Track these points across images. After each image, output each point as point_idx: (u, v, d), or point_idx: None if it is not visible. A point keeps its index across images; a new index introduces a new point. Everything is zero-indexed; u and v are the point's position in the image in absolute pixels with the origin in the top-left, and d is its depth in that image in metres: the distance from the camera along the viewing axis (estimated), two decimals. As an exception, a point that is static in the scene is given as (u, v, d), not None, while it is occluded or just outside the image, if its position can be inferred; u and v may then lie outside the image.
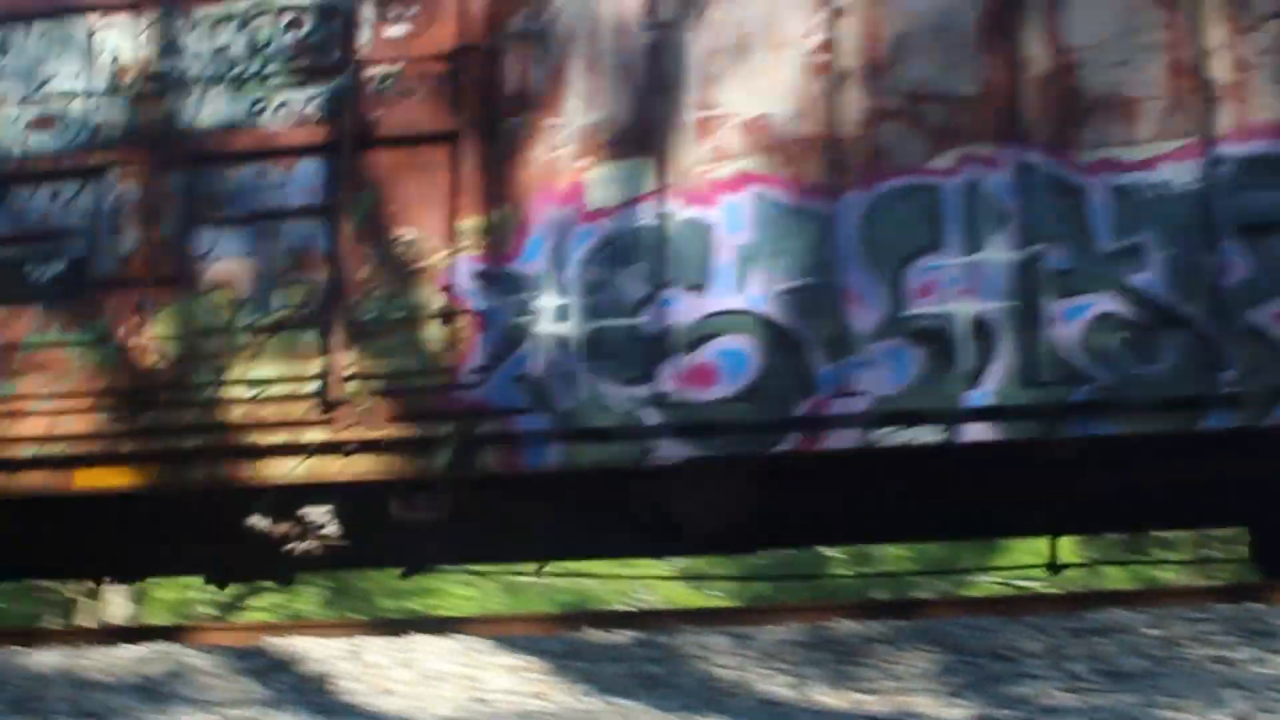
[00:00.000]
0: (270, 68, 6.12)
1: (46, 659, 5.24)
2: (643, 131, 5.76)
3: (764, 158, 5.67)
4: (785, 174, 5.64)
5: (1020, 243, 5.44)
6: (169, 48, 6.23)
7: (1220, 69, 5.44)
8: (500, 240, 5.77)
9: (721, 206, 5.66)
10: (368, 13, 6.08)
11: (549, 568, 7.34)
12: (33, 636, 5.76)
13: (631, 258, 5.68)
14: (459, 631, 5.31)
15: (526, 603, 15.17)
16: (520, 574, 9.78)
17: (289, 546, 5.90)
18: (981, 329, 5.42)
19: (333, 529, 5.87)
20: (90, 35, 6.34)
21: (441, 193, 5.86)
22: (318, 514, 5.84)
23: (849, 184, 5.58)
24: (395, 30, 6.06)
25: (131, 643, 5.38)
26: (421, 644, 5.05)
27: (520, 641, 5.06)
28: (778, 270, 5.58)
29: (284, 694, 4.69)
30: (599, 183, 5.75)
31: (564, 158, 5.79)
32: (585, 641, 5.06)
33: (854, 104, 5.64)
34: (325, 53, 6.09)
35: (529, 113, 5.86)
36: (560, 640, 5.09)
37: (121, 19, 6.32)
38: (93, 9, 6.36)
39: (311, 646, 5.10)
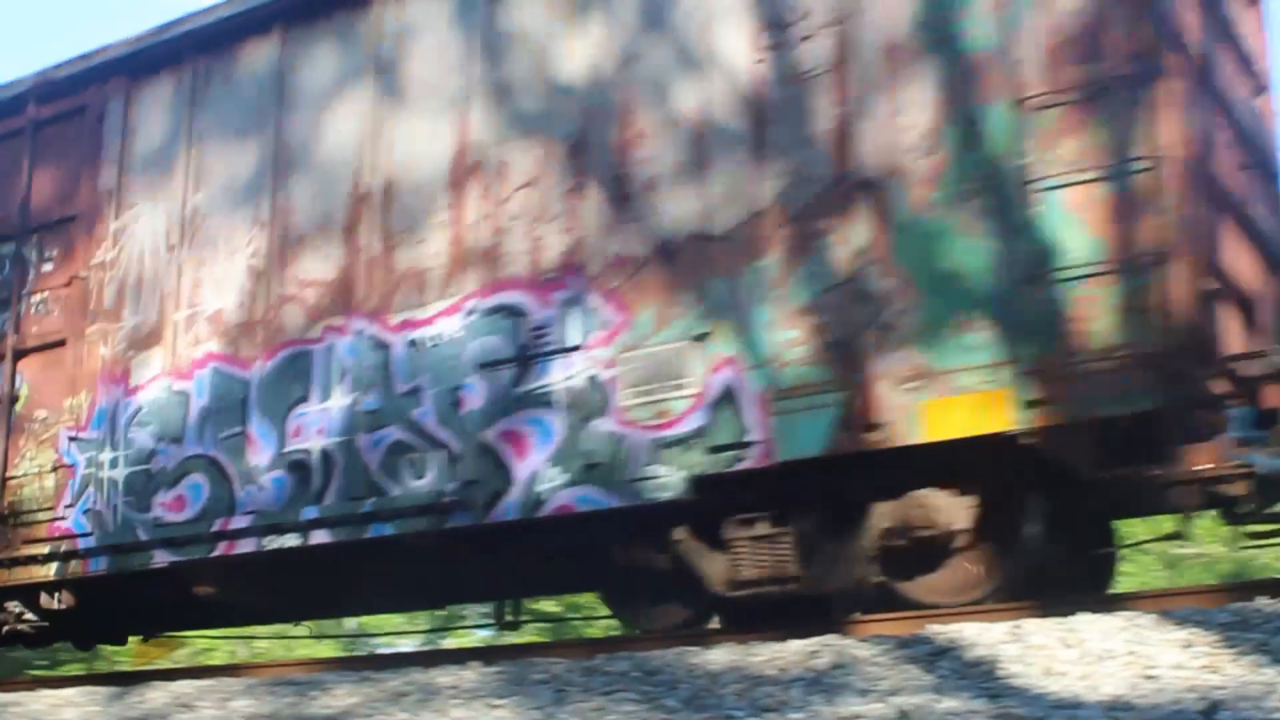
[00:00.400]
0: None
1: (716, 657, 5.47)
2: (159, 329, 8.03)
3: (221, 340, 7.76)
4: (231, 351, 7.70)
5: (351, 390, 7.19)
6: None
7: (479, 236, 6.95)
8: (83, 413, 8.21)
9: (194, 379, 7.80)
10: (33, 255, 8.76)
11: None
12: (705, 638, 6.08)
13: (148, 421, 7.93)
14: (1124, 608, 5.24)
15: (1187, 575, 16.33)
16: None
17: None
18: (327, 458, 7.20)
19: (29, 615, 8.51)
20: None
21: (61, 382, 8.40)
22: (13, 605, 8.50)
23: (260, 354, 7.56)
24: (47, 267, 8.70)
25: (799, 638, 5.51)
26: (1085, 623, 5.00)
27: (1187, 615, 4.95)
28: (221, 423, 7.63)
29: (949, 680, 4.69)
30: (136, 368, 8.06)
31: (119, 352, 8.15)
32: (1256, 611, 4.87)
33: (268, 293, 7.62)
34: (9, 286, 8.82)
35: (103, 322, 8.28)
36: (1228, 611, 4.92)
37: None
38: None
39: (974, 631, 5.14)
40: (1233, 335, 5.93)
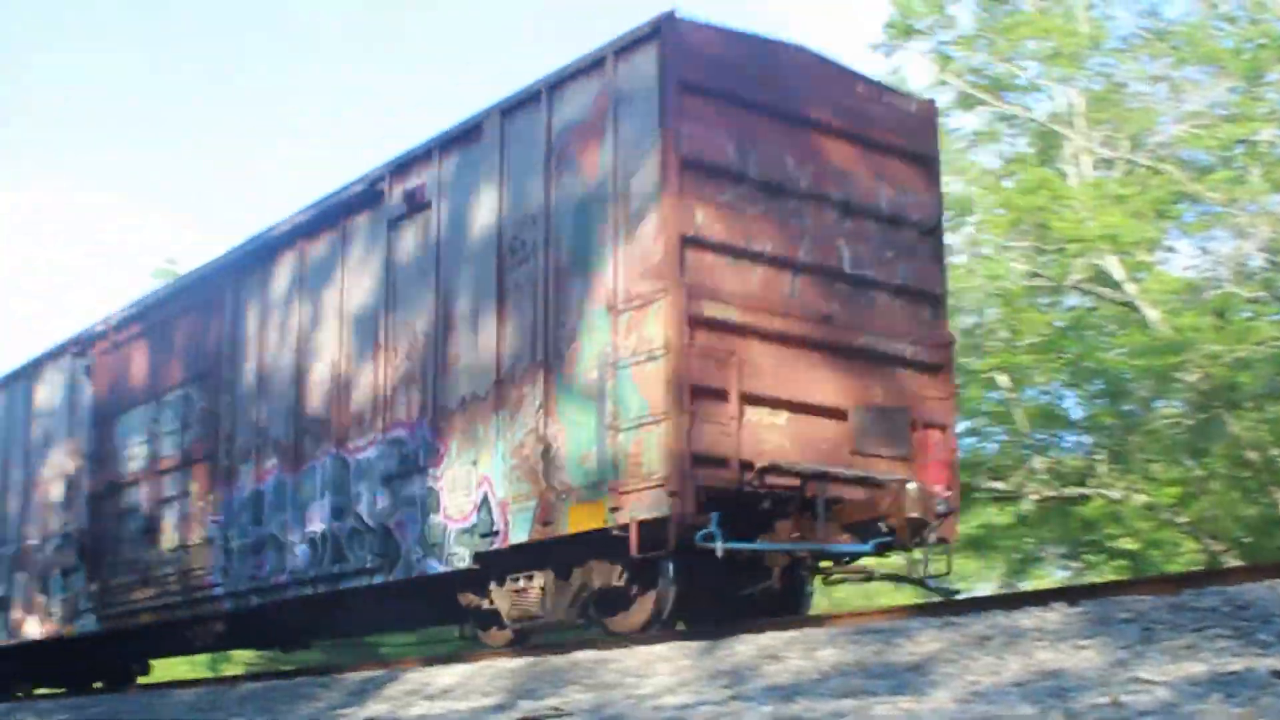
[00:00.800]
0: None
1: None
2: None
3: (278, 458, 11.85)
4: (283, 464, 11.78)
5: (333, 495, 11.08)
6: None
7: (382, 395, 10.67)
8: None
9: (266, 483, 11.95)
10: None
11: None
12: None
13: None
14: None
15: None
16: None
17: None
18: (324, 537, 11.12)
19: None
20: None
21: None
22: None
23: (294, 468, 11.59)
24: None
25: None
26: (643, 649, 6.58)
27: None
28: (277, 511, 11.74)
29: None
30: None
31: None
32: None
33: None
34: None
35: (226, 442, 12.62)
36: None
37: None
38: None
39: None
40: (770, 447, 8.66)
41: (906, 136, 9.86)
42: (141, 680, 16.17)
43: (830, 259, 9.22)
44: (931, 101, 10.34)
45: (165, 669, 18.12)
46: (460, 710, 7.50)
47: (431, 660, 9.74)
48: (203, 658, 24.72)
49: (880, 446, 8.98)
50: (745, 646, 7.06)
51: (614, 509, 8.51)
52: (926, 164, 9.99)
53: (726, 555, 8.27)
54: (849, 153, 9.48)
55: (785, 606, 9.41)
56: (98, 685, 16.03)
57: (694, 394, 8.29)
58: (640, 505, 8.37)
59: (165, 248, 78.91)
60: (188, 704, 10.64)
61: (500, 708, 7.23)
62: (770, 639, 7.10)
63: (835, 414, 8.97)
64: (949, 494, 8.98)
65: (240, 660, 25.73)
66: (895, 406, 9.13)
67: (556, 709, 6.59)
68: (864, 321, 9.29)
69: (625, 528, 8.42)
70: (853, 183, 9.45)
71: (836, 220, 9.34)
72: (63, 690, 15.95)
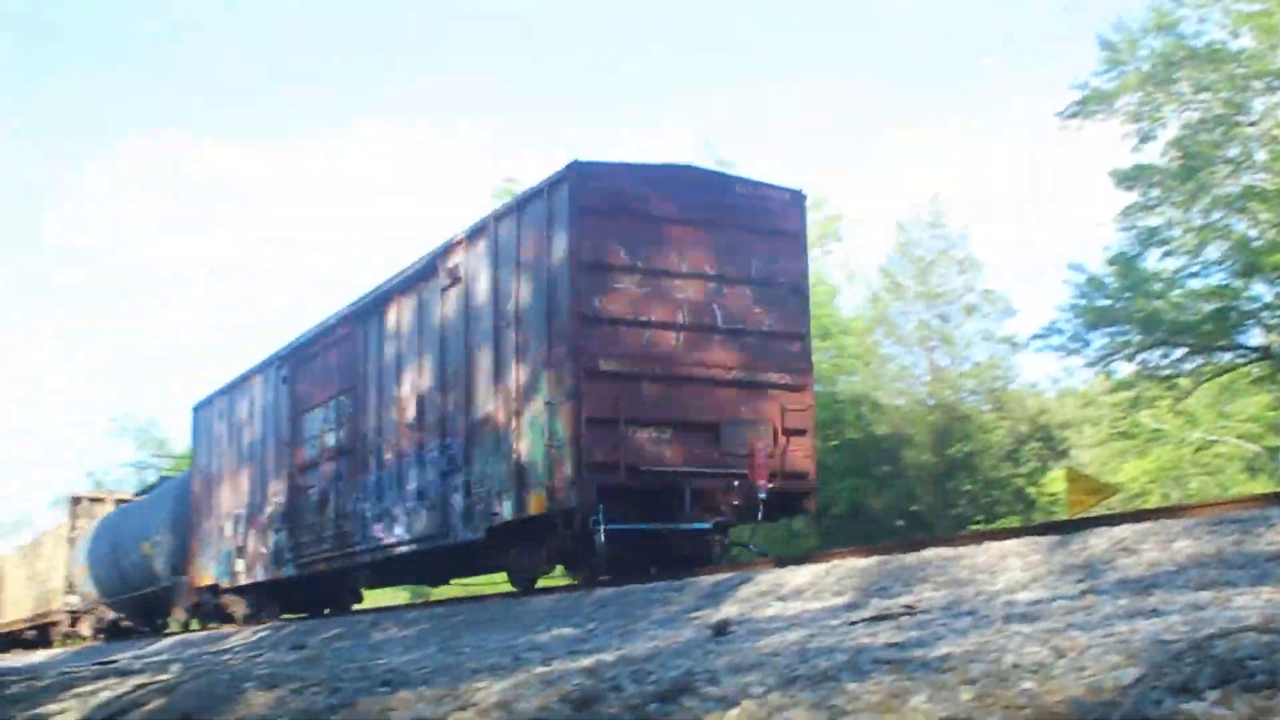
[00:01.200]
0: None
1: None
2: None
3: (397, 448, 16.57)
4: (390, 456, 16.49)
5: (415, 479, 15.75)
6: None
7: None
8: (360, 484, 17.48)
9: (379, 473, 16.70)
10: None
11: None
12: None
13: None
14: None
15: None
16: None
17: None
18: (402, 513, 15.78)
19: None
20: None
21: (356, 467, 17.70)
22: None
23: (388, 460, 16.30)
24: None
25: None
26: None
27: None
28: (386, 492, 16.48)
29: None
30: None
31: (367, 454, 17.27)
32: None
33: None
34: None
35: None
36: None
37: None
38: None
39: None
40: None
41: (775, 219, 13.60)
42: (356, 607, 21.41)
43: (705, 318, 13.12)
44: (799, 190, 13.97)
45: (372, 599, 23.40)
46: (813, 609, 7.55)
47: (783, 561, 10.16)
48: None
49: (736, 450, 12.88)
50: (1098, 540, 7.04)
51: (551, 498, 12.77)
52: (794, 238, 13.70)
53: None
54: (723, 238, 13.31)
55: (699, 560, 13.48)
56: (326, 610, 21.35)
57: (589, 424, 12.43)
58: (561, 498, 12.61)
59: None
60: (546, 609, 11.22)
61: (852, 606, 7.31)
62: (1124, 531, 7.08)
63: (708, 428, 12.92)
64: (771, 485, 12.77)
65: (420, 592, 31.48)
66: (749, 419, 13.01)
67: (909, 607, 6.51)
68: (734, 360, 13.16)
69: (569, 512, 12.67)
70: (727, 259, 13.29)
71: (713, 289, 13.21)
72: (304, 615, 21.33)
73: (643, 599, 10.02)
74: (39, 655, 28.39)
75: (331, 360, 18.55)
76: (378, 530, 16.62)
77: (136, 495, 33.31)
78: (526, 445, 13.21)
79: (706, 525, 12.73)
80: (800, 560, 9.83)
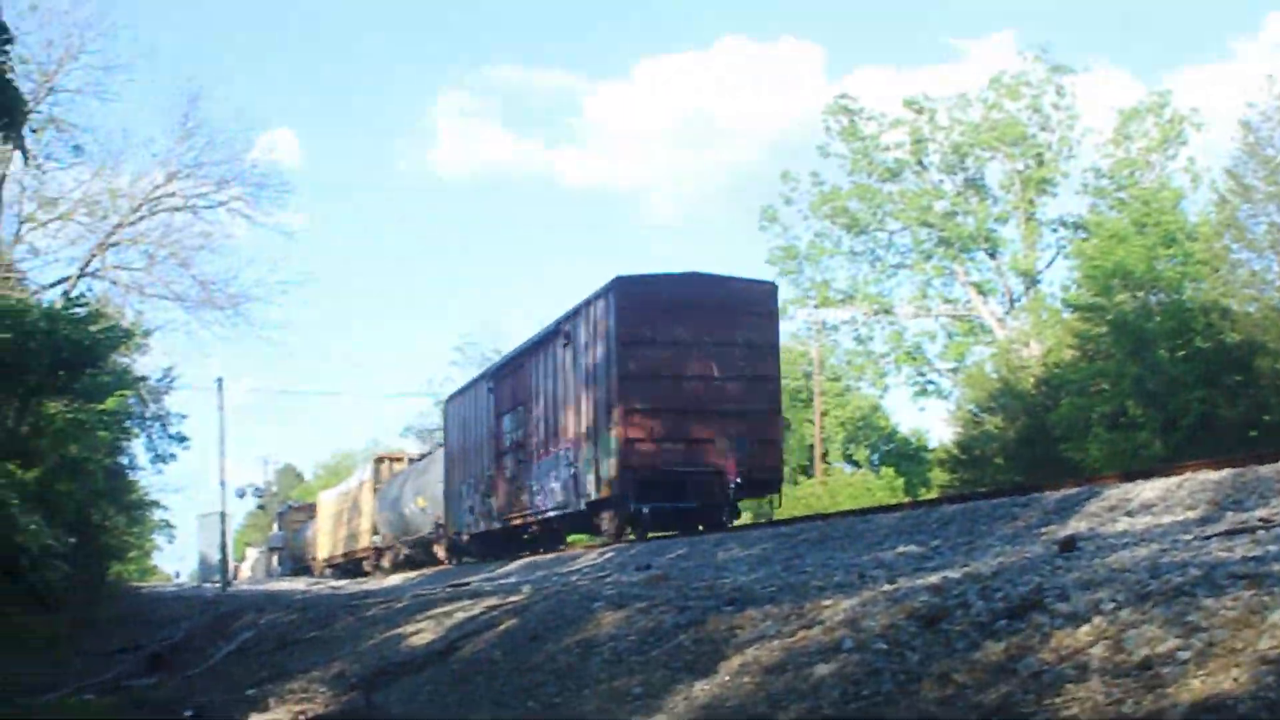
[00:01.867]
0: None
1: None
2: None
3: (553, 445, 24.67)
4: (543, 452, 24.58)
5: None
6: None
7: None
8: (531, 467, 25.68)
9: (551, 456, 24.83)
10: (523, 412, 26.34)
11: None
12: None
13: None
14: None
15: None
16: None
17: None
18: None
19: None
20: None
21: (529, 455, 25.93)
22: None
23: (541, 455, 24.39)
24: (525, 416, 26.26)
25: None
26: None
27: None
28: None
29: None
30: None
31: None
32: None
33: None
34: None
35: (531, 437, 25.65)
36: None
37: None
38: None
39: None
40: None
41: (756, 303, 20.85)
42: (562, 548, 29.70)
43: (706, 371, 20.55)
44: (773, 282, 21.19)
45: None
46: (1163, 524, 7.28)
47: (1131, 475, 9.79)
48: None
49: (719, 458, 20.27)
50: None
51: (610, 487, 20.59)
52: (769, 315, 20.95)
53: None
54: (719, 318, 20.66)
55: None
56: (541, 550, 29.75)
57: (626, 441, 20.13)
58: (615, 487, 20.42)
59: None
60: (889, 527, 11.13)
61: (1205, 520, 7.04)
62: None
63: (708, 440, 20.39)
64: (738, 481, 19.99)
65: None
66: (732, 436, 20.39)
67: (1265, 520, 6.14)
68: (726, 396, 20.55)
69: (625, 495, 20.46)
70: (721, 332, 20.65)
71: (710, 352, 20.61)
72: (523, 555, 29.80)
73: (987, 515, 10.04)
74: (395, 578, 31.98)
75: (516, 380, 26.82)
76: (540, 501, 24.80)
77: (415, 460, 42.85)
78: (599, 453, 21.03)
79: (691, 504, 20.22)
80: (1148, 474, 9.75)
